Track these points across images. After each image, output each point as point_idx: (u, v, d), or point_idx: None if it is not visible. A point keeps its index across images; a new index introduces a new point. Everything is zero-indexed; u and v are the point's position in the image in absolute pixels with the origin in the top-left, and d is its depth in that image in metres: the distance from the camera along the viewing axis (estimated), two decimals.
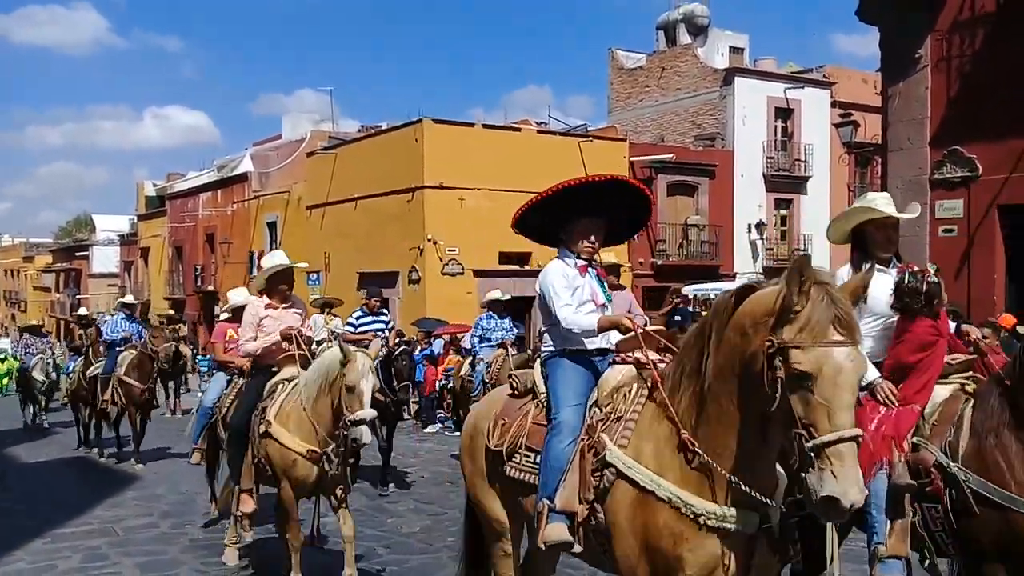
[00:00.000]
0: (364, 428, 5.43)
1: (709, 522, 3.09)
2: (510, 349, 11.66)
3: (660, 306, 21.48)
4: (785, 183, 29.68)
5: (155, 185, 43.52)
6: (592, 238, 4.14)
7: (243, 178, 33.41)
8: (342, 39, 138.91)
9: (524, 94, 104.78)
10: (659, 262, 26.56)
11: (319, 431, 5.69)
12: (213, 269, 34.75)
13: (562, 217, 4.16)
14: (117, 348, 12.46)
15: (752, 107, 28.98)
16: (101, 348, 13.30)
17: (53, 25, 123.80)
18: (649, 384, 3.55)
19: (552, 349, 4.19)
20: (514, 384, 4.35)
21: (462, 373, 13.84)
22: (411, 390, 18.17)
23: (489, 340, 11.96)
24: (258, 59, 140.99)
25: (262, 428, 5.92)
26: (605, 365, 4.00)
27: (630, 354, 3.82)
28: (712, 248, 27.77)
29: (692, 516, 3.12)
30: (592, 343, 4.07)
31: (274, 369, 6.38)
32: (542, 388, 4.13)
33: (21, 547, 7.57)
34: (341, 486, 6.00)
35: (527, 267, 23.92)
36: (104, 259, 49.03)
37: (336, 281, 26.21)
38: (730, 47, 33.26)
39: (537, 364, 4.35)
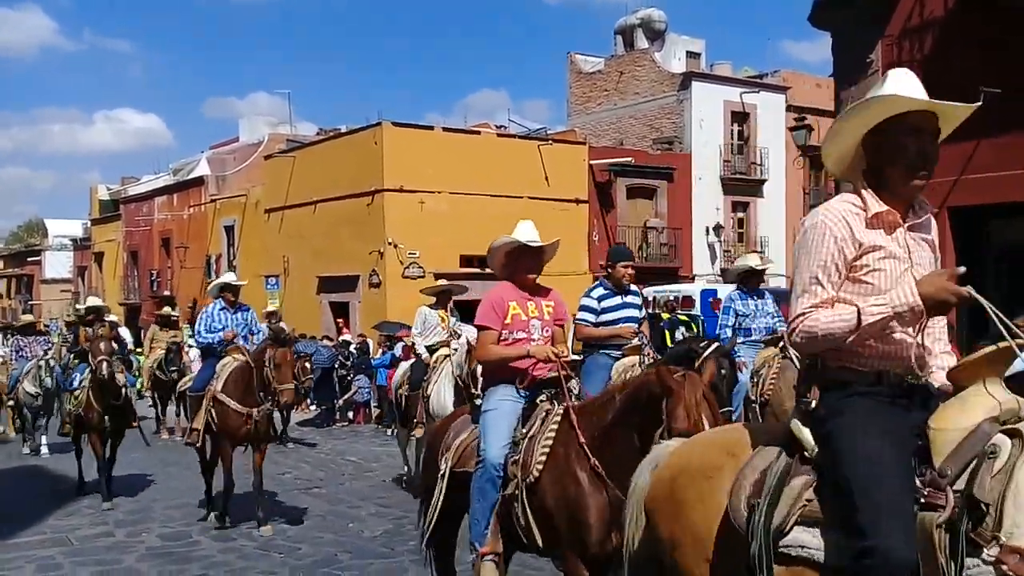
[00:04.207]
0: None
1: None
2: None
3: None
4: (742, 186, 30.10)
5: (109, 189, 42.83)
6: None
7: (199, 181, 33.01)
8: (297, 43, 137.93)
9: (481, 98, 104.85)
10: None
11: None
12: (169, 274, 34.27)
13: None
14: (215, 353, 8.59)
15: (709, 111, 29.35)
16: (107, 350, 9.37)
17: None
18: None
19: None
20: None
21: None
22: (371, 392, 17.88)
23: (748, 332, 7.64)
24: (210, 62, 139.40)
25: None
26: None
27: None
28: (671, 250, 28.05)
29: None
30: None
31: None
32: None
33: None
34: None
35: (488, 269, 23.96)
36: (57, 264, 48.21)
37: (295, 285, 26.00)
38: (687, 52, 33.67)
39: None
